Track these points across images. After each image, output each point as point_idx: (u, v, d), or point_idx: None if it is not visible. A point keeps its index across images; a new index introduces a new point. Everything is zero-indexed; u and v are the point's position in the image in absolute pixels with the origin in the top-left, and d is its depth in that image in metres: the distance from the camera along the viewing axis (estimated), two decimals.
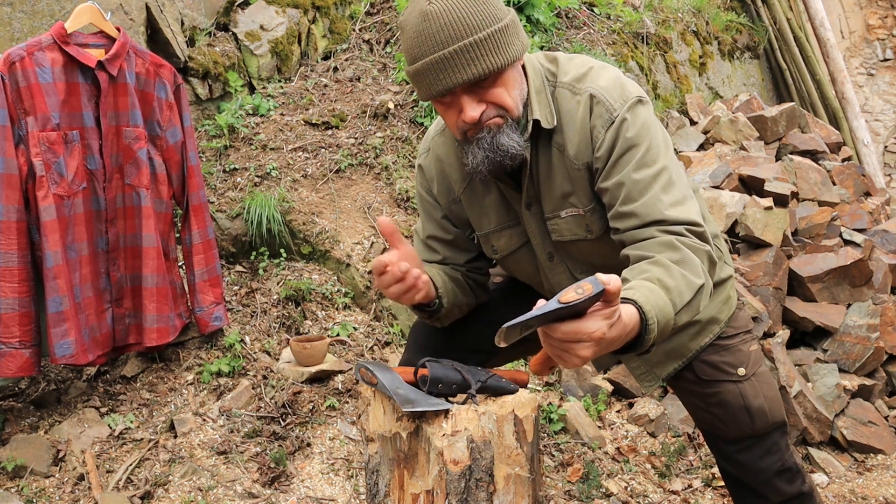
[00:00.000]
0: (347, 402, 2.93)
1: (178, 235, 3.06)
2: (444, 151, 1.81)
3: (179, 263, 3.04)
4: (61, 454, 2.59)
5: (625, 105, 1.60)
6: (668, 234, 1.52)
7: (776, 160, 4.64)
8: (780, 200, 3.87)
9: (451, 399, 1.51)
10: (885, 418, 3.44)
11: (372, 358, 3.12)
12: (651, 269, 1.47)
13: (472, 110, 1.55)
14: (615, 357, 1.97)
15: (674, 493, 2.89)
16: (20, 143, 2.52)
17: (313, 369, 2.93)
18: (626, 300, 1.35)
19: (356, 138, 3.76)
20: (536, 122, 1.64)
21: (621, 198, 1.59)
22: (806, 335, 3.60)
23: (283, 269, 3.35)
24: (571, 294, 1.21)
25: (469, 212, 1.83)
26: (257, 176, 3.51)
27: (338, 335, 3.13)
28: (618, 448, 3.07)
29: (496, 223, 1.80)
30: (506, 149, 1.57)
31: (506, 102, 1.57)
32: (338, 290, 3.31)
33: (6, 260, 2.51)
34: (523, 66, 1.67)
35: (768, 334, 3.39)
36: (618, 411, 3.30)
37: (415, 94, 3.98)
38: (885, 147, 8.03)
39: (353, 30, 4.46)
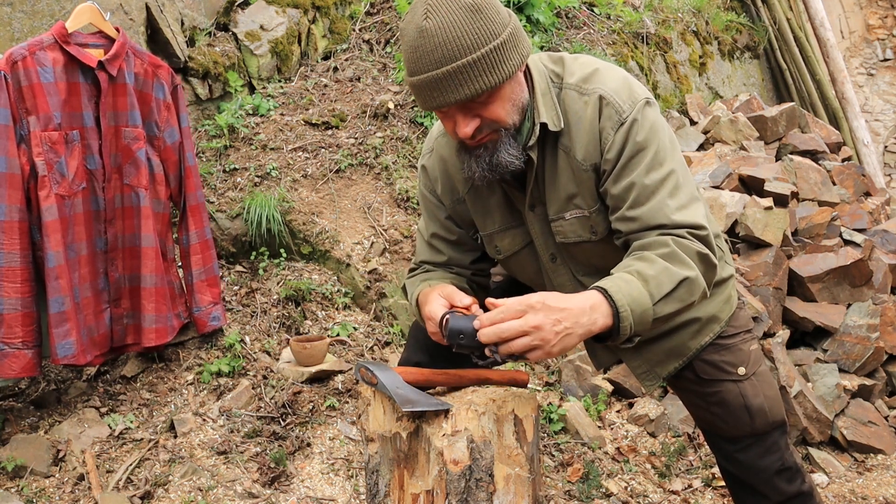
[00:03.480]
0: (347, 402, 2.93)
1: (175, 235, 3.06)
2: (448, 152, 1.80)
3: (178, 264, 3.04)
4: (61, 454, 2.59)
5: (634, 107, 1.60)
6: (668, 236, 1.55)
7: (776, 160, 4.64)
8: (780, 200, 3.87)
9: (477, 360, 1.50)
10: (885, 418, 3.44)
11: (372, 358, 3.12)
12: (634, 262, 1.52)
13: (466, 127, 1.55)
14: (614, 356, 1.97)
15: (674, 493, 2.89)
16: (21, 143, 2.52)
17: (313, 369, 2.93)
18: (596, 288, 1.45)
19: (356, 138, 3.76)
20: (543, 125, 1.64)
21: (629, 201, 1.59)
22: (806, 335, 3.60)
23: (283, 269, 3.35)
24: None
25: (473, 212, 1.82)
26: (257, 176, 3.51)
27: (338, 335, 3.13)
28: (618, 448, 3.07)
29: (500, 224, 1.80)
30: (504, 166, 1.59)
31: (500, 116, 1.56)
32: (338, 290, 3.31)
33: (9, 260, 2.50)
34: (528, 70, 1.67)
35: (768, 334, 3.39)
36: (618, 411, 3.30)
37: None
38: (885, 147, 8.03)
39: (353, 30, 4.46)
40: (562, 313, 1.38)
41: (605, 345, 1.61)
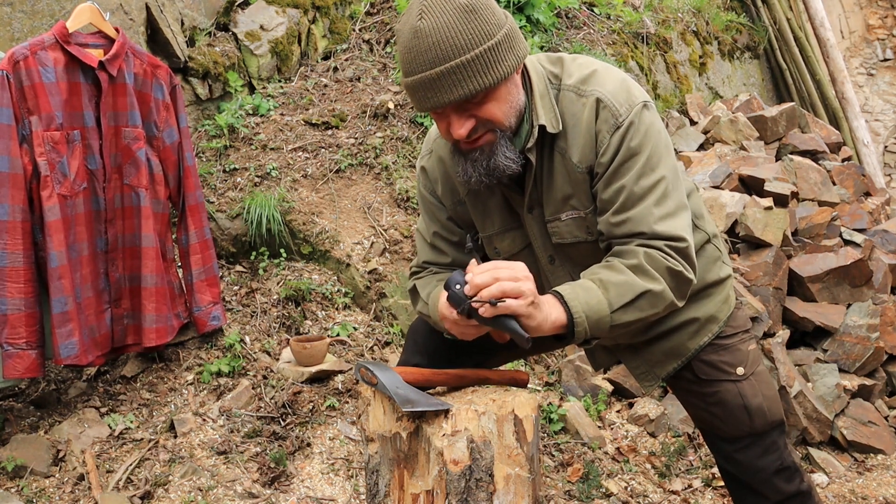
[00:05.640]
0: (347, 402, 2.93)
1: (175, 235, 3.06)
2: (447, 153, 1.80)
3: (178, 264, 3.04)
4: (61, 454, 2.59)
5: (631, 110, 1.60)
6: (645, 247, 1.57)
7: (776, 160, 4.64)
8: (780, 200, 3.87)
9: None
10: (885, 418, 3.44)
11: (372, 358, 3.12)
12: (600, 270, 1.58)
13: (460, 127, 1.55)
14: (612, 357, 1.97)
15: (674, 493, 2.89)
16: (23, 143, 2.52)
17: (313, 369, 2.93)
18: (553, 292, 1.52)
19: (356, 138, 3.76)
20: (542, 127, 1.63)
21: (616, 206, 1.60)
22: (806, 335, 3.60)
23: (283, 269, 3.35)
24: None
25: (473, 213, 1.82)
26: (257, 176, 3.51)
27: (338, 335, 3.13)
28: (618, 448, 3.07)
29: (499, 225, 1.80)
30: (502, 170, 1.59)
31: (495, 117, 1.56)
32: (338, 290, 3.31)
33: (12, 260, 2.51)
34: (526, 71, 1.66)
35: (768, 334, 3.39)
36: (618, 411, 3.30)
37: None
38: (885, 147, 8.03)
39: (353, 30, 4.47)
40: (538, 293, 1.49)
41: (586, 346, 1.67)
